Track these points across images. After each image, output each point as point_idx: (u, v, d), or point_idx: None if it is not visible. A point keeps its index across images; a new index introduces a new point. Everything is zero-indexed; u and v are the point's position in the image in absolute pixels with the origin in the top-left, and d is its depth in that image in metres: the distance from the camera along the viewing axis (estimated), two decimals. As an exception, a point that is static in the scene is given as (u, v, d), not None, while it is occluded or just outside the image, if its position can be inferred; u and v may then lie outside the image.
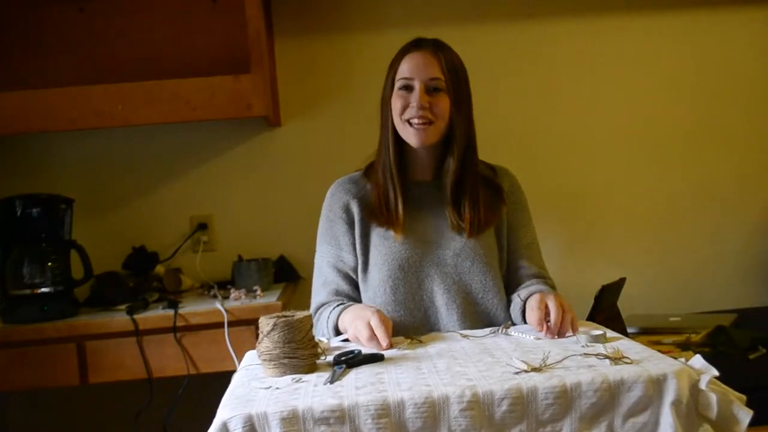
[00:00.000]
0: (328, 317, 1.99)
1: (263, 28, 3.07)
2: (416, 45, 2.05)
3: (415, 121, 1.99)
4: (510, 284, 2.09)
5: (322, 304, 2.08)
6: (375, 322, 1.77)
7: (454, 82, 2.01)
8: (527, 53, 3.31)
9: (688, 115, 3.37)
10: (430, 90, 2.00)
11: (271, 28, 3.24)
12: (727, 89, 3.37)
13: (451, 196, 2.06)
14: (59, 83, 2.94)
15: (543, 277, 2.11)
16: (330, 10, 3.27)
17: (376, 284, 2.03)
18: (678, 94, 3.36)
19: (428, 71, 2.00)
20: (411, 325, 2.00)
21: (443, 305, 2.01)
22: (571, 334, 1.76)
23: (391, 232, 2.04)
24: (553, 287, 2.10)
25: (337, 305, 2.00)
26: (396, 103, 2.02)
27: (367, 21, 3.27)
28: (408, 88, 2.01)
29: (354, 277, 2.09)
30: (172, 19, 3.15)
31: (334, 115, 3.28)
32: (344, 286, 2.08)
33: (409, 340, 1.83)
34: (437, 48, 2.04)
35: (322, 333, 2.00)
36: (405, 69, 2.02)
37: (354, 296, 2.08)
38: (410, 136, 2.01)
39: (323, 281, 2.11)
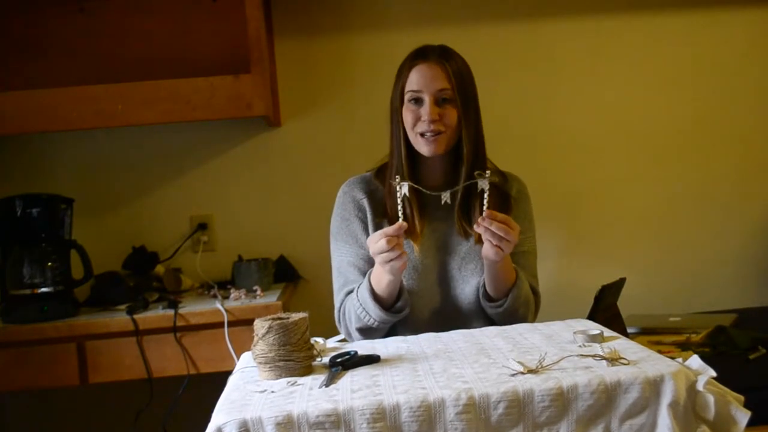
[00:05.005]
0: (358, 298, 2.01)
1: (263, 28, 3.07)
2: (423, 55, 2.06)
3: (428, 134, 2.02)
4: None
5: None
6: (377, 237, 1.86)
7: (461, 91, 2.04)
8: (527, 53, 3.30)
9: (688, 115, 3.36)
10: (439, 101, 2.03)
11: (271, 28, 3.23)
12: (727, 89, 3.37)
13: (460, 202, 2.08)
14: (59, 83, 2.94)
15: (531, 287, 2.12)
16: (330, 10, 3.26)
17: None
18: (678, 94, 3.36)
19: (436, 83, 2.02)
20: (418, 320, 2.04)
21: (448, 307, 2.08)
22: (500, 233, 1.86)
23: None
24: (537, 301, 2.15)
25: (355, 287, 2.05)
26: (407, 117, 2.05)
27: (367, 21, 3.26)
28: (418, 101, 2.04)
29: None
30: (172, 19, 3.15)
31: (334, 115, 3.27)
32: None
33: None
34: (443, 57, 2.06)
35: (357, 319, 2.02)
36: (413, 82, 2.04)
37: None
38: (422, 146, 2.04)
39: (344, 281, 2.13)
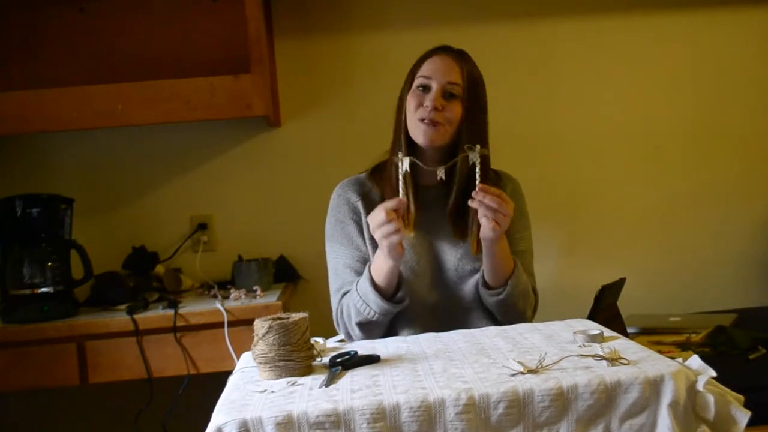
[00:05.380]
0: (358, 291, 2.01)
1: (263, 28, 3.07)
2: (441, 49, 2.08)
3: (426, 121, 2.01)
4: None
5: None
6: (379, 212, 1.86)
7: (471, 92, 2.03)
8: (527, 53, 3.30)
9: (689, 114, 3.36)
10: (446, 94, 2.02)
11: (271, 28, 3.23)
12: (728, 89, 3.37)
13: (455, 204, 2.07)
14: (59, 83, 2.94)
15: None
16: (330, 10, 3.26)
17: None
18: (678, 94, 3.36)
19: (448, 75, 2.02)
20: (416, 322, 2.04)
21: (447, 307, 2.08)
22: (493, 205, 1.85)
23: None
24: (535, 299, 2.14)
25: (353, 286, 2.05)
26: (411, 102, 2.05)
27: (367, 21, 3.26)
28: (425, 88, 2.04)
29: None
30: (172, 19, 3.15)
31: (334, 115, 3.28)
32: None
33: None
34: (461, 56, 2.07)
35: (357, 313, 2.02)
36: (425, 69, 2.05)
37: None
38: (420, 134, 2.03)
39: (341, 284, 2.12)
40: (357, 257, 2.11)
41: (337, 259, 2.14)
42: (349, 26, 3.27)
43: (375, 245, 2.06)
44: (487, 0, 3.29)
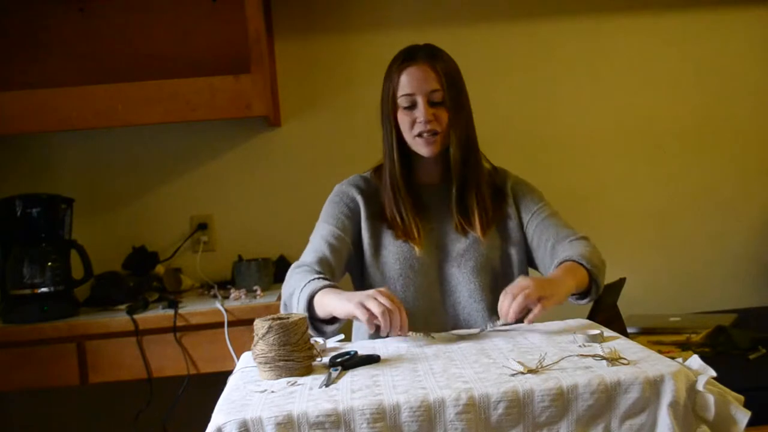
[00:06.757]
0: (308, 284, 1.89)
1: (263, 28, 3.07)
2: (411, 57, 2.07)
3: (425, 134, 2.03)
4: (552, 258, 2.05)
5: (305, 264, 2.01)
6: (384, 301, 1.71)
7: (451, 91, 2.05)
8: (527, 53, 3.30)
9: (689, 115, 3.36)
10: (432, 103, 2.04)
11: (271, 28, 3.23)
12: (728, 89, 3.37)
13: (457, 198, 2.10)
14: (59, 83, 2.94)
15: (579, 236, 2.08)
16: (330, 10, 3.27)
17: (386, 279, 2.07)
18: (678, 94, 3.36)
19: (427, 84, 2.03)
20: (417, 318, 2.03)
21: (449, 306, 2.08)
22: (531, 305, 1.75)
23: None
24: (585, 251, 2.01)
25: (321, 278, 1.91)
26: (404, 121, 2.06)
27: (367, 21, 3.27)
28: (412, 104, 2.04)
29: (344, 257, 2.07)
30: (172, 19, 3.15)
31: (334, 115, 3.28)
32: (330, 260, 2.02)
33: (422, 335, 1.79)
34: (432, 58, 2.06)
35: (291, 291, 1.94)
36: (405, 85, 2.05)
37: (336, 274, 2.03)
38: (421, 148, 2.06)
39: (312, 249, 2.06)
40: (335, 234, 2.07)
41: (316, 233, 2.10)
42: (349, 26, 3.27)
43: (374, 244, 2.08)
44: (487, 0, 3.29)
